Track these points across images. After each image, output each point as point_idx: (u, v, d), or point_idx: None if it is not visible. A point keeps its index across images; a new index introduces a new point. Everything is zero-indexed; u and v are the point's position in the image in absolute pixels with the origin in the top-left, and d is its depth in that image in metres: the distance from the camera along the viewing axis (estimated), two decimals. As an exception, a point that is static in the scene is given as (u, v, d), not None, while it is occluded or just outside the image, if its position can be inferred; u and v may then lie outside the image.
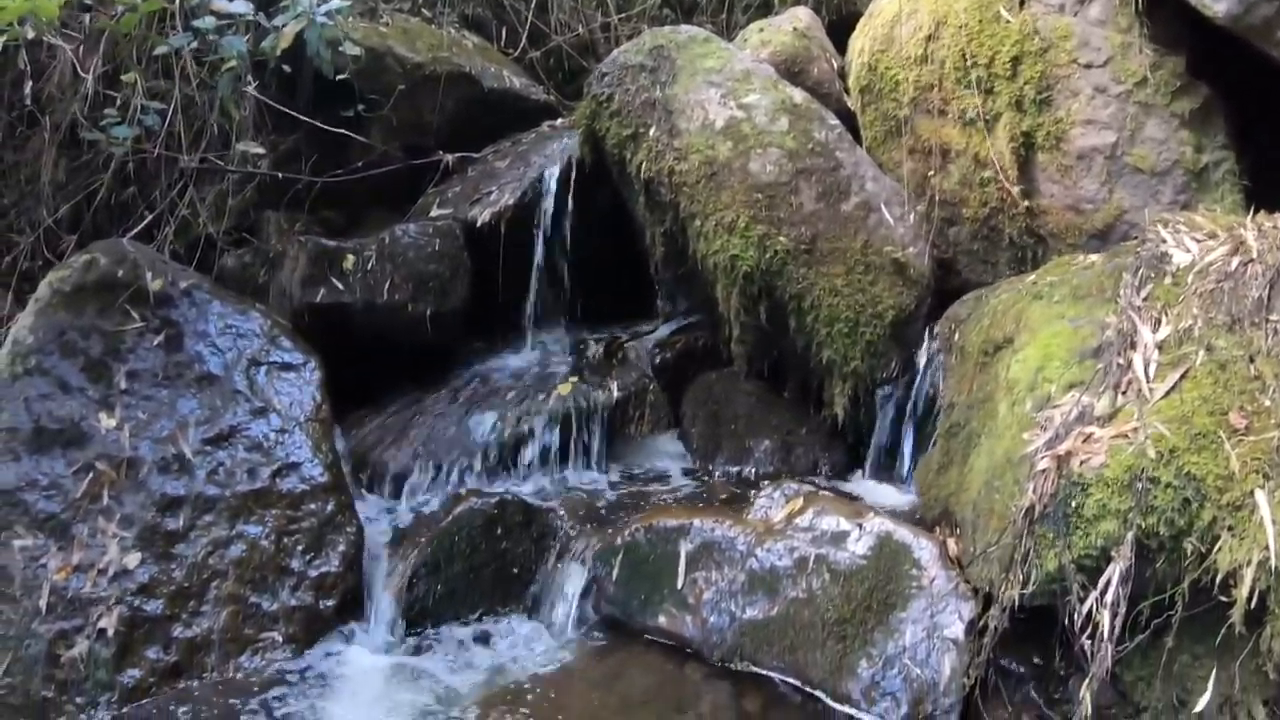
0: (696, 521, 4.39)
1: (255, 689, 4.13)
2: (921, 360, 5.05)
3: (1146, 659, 3.86)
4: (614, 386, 5.27)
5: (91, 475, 4.34)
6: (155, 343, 4.65)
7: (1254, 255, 3.94)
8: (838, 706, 4.05)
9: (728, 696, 4.07)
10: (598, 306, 5.89)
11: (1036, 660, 4.21)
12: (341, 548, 4.51)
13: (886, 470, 5.11)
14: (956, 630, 4.00)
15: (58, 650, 4.00)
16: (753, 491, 4.73)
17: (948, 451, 4.58)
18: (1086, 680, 3.73)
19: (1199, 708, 3.82)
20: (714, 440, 5.29)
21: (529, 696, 4.11)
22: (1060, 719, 4.05)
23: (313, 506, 4.56)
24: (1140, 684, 3.92)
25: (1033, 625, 4.05)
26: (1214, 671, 3.72)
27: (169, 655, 4.14)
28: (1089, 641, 3.69)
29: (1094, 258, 4.69)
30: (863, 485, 5.01)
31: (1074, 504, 3.54)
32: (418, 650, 4.36)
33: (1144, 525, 3.48)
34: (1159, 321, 3.93)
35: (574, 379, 5.26)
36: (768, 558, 4.22)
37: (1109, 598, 3.63)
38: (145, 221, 5.68)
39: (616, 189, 5.66)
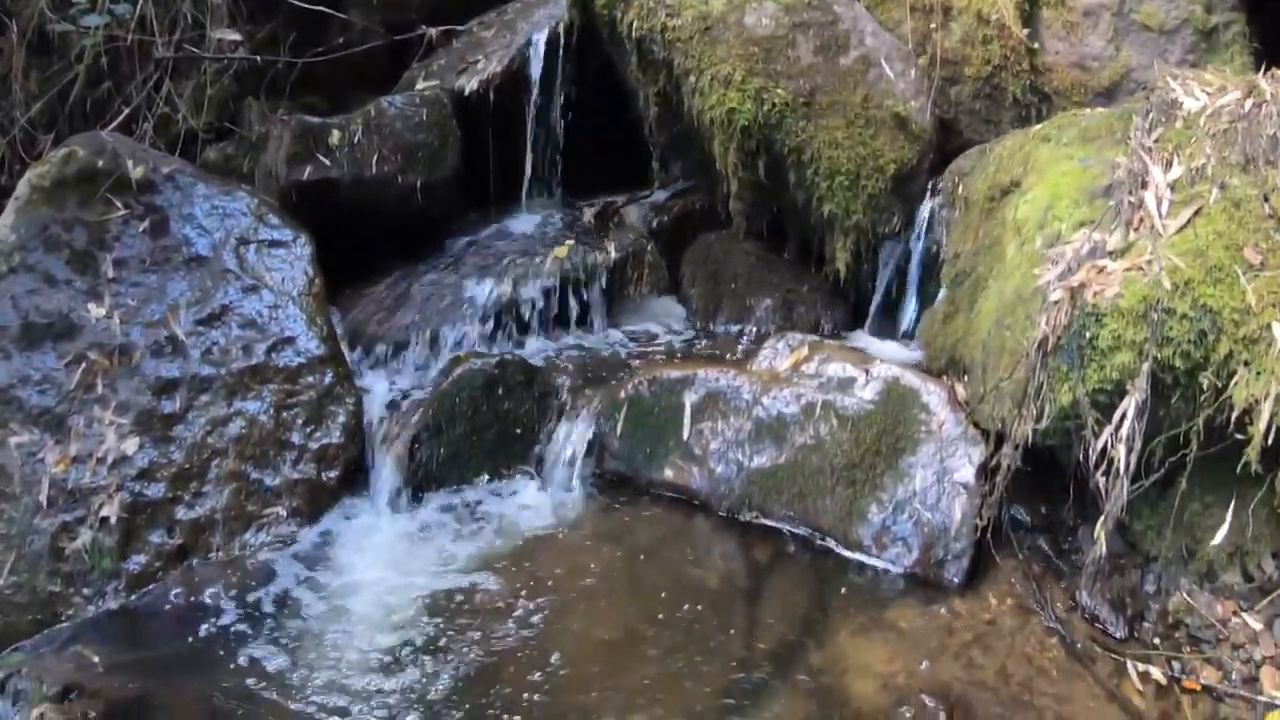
0: (701, 372, 4.31)
1: (262, 564, 4.09)
2: (923, 216, 4.92)
3: (1156, 509, 3.84)
4: (611, 248, 5.16)
5: (84, 365, 4.26)
6: (141, 229, 4.54)
7: (1268, 98, 3.84)
8: (848, 554, 4.02)
9: (737, 547, 4.03)
10: (591, 174, 5.76)
11: (1044, 510, 4.17)
12: (341, 419, 4.44)
13: (889, 327, 5.04)
14: (967, 474, 3.95)
15: (61, 543, 3.95)
16: (755, 346, 4.64)
17: (953, 301, 4.50)
18: (1101, 519, 3.69)
19: (1209, 555, 3.80)
20: (714, 300, 5.20)
21: (537, 554, 4.08)
22: (1069, 568, 4.01)
23: (310, 379, 4.48)
24: (1150, 533, 3.89)
25: (1040, 477, 4.05)
26: (1227, 518, 3.68)
27: (173, 538, 4.10)
28: (1103, 479, 3.63)
29: (1101, 110, 4.59)
30: (865, 341, 4.94)
31: (1088, 335, 3.46)
32: (422, 514, 4.30)
33: (1159, 357, 3.41)
34: (1170, 162, 3.84)
35: (570, 242, 5.14)
36: (774, 405, 4.15)
37: (1124, 432, 3.57)
38: (122, 116, 5.51)
39: (607, 52, 5.49)
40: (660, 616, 3.75)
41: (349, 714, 3.49)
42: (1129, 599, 3.93)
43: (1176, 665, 3.75)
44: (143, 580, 4.00)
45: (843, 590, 3.86)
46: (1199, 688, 3.68)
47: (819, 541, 4.03)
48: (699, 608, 3.78)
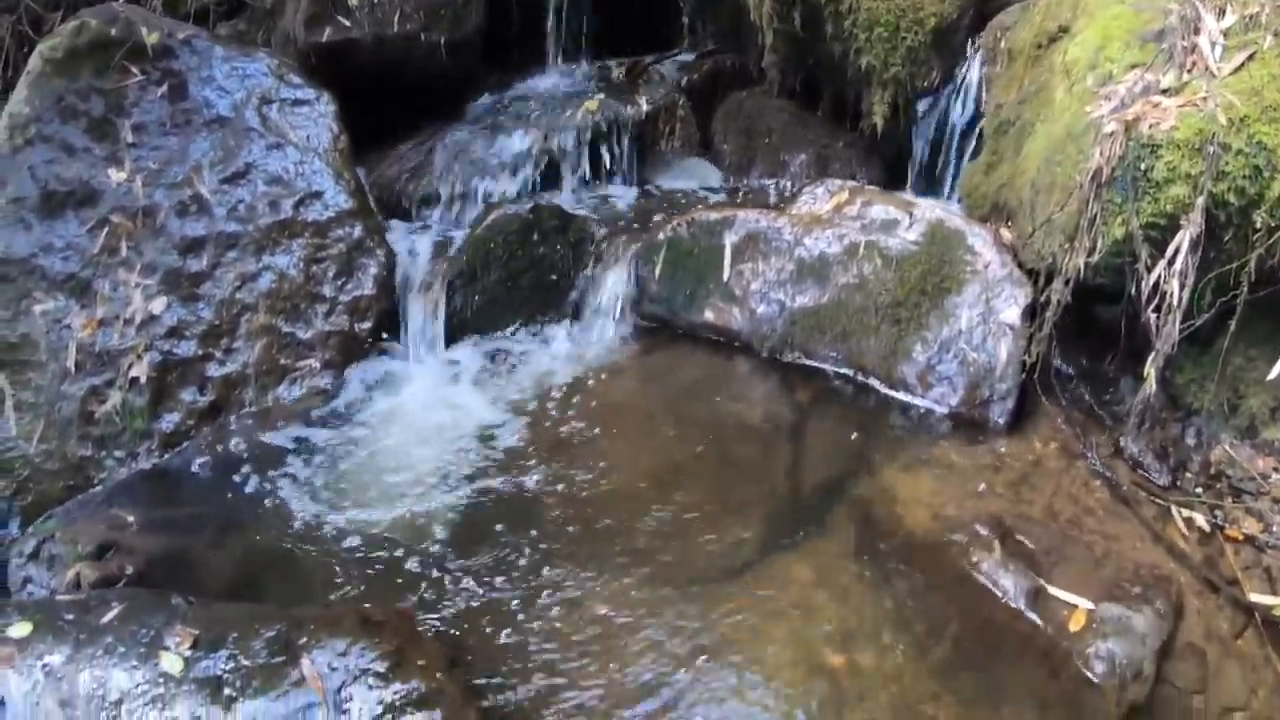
0: (741, 214, 4.24)
1: (296, 416, 4.05)
2: (964, 73, 4.78)
3: (1200, 363, 3.80)
4: (643, 102, 5.06)
5: (107, 230, 4.19)
6: (159, 94, 4.43)
7: (1322, -52, 3.72)
8: (892, 393, 3.96)
9: (779, 387, 3.98)
10: (619, 34, 5.63)
11: (1086, 363, 4.11)
12: (373, 270, 4.37)
13: (926, 184, 4.92)
14: (1013, 315, 3.87)
15: (90, 407, 3.90)
16: (792, 196, 4.54)
17: (995, 151, 4.40)
18: (1151, 355, 3.63)
19: (1251, 410, 3.74)
20: (747, 155, 5.11)
21: (575, 394, 4.03)
22: (1111, 418, 3.95)
23: (340, 232, 4.40)
24: (1193, 386, 3.83)
25: (1083, 331, 4.00)
26: (1274, 369, 3.63)
27: (205, 395, 4.05)
28: (1155, 315, 3.57)
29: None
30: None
31: (1143, 167, 3.38)
32: (458, 362, 4.25)
33: (1214, 192, 3.32)
34: (1223, 10, 3.72)
35: (600, 96, 5.02)
36: (816, 246, 4.07)
37: (1178, 266, 3.51)
38: (130, -5, 5.30)
39: (635, -95, 5.32)
40: (701, 451, 3.71)
41: (384, 559, 3.48)
42: (1171, 449, 3.89)
43: (1219, 514, 3.68)
44: (175, 439, 3.96)
45: (887, 428, 3.81)
46: (1241, 537, 3.64)
47: (862, 380, 3.97)
48: (741, 443, 3.74)
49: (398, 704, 2.93)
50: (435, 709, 2.91)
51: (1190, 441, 3.91)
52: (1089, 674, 3.13)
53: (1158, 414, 3.88)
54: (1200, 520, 3.69)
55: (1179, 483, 3.79)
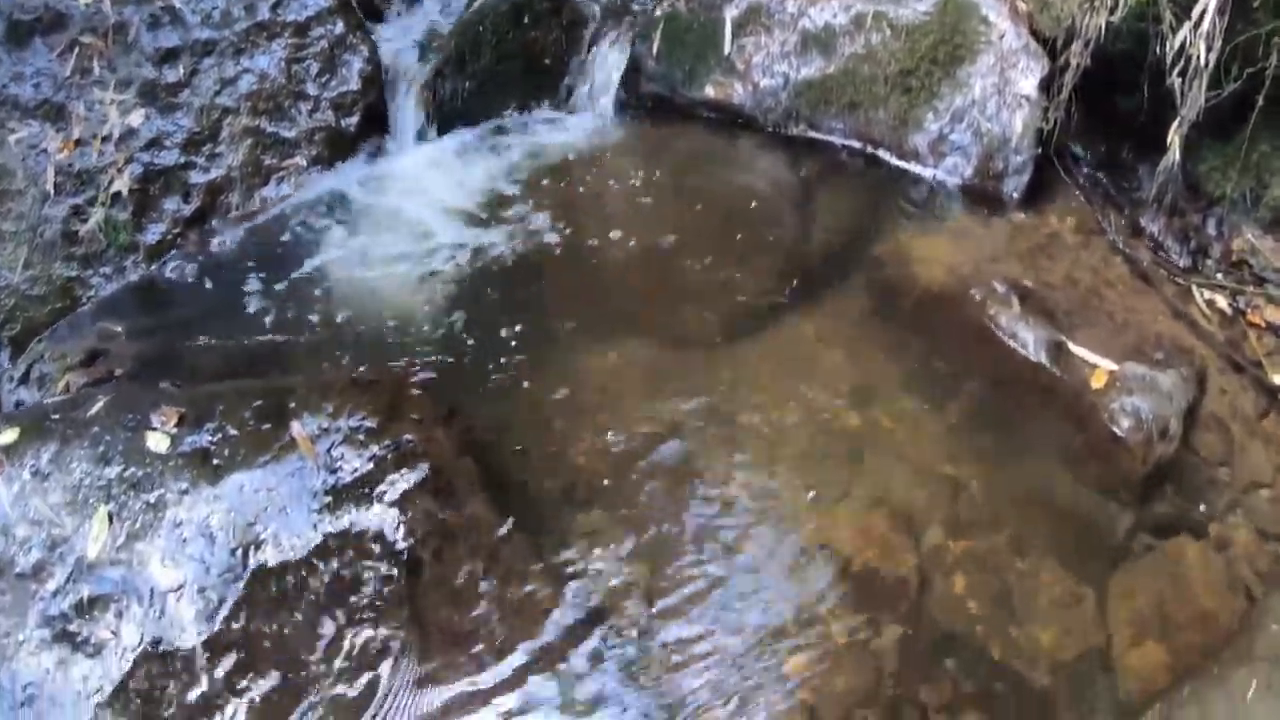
0: (741, -13, 4.01)
1: (284, 215, 3.87)
2: None
3: (1223, 151, 3.61)
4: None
5: (78, 51, 3.99)
6: (120, -94, 4.18)
7: None
8: (902, 164, 3.79)
9: (785, 161, 3.80)
10: None
11: (1103, 150, 3.93)
12: (357, 66, 4.17)
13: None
14: (1028, 86, 3.69)
15: (73, 227, 3.73)
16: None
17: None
18: (1176, 123, 3.45)
19: (1274, 201, 3.58)
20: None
21: (573, 171, 3.85)
22: (1129, 204, 3.78)
23: (320, 30, 4.19)
24: (1215, 174, 3.65)
25: (1100, 119, 3.81)
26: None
27: (190, 203, 3.88)
28: (1180, 80, 3.39)
29: None
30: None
31: (1169, -83, 3.16)
32: (450, 149, 4.06)
33: (1243, -51, 3.12)
34: None
35: None
36: (821, 17, 3.87)
37: (1204, 28, 3.32)
38: None
39: None
40: (704, 219, 3.55)
41: (378, 336, 3.35)
42: (1192, 235, 3.73)
43: (1241, 300, 3.54)
44: (161, 249, 3.80)
45: (899, 198, 3.65)
46: (1263, 324, 3.50)
47: (871, 153, 3.79)
48: (746, 211, 3.57)
49: (389, 458, 2.79)
50: (427, 460, 2.77)
51: (1211, 230, 3.75)
52: (1115, 429, 3.00)
53: (1179, 199, 3.71)
54: (1222, 303, 3.55)
55: (1199, 267, 3.63)
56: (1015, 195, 3.63)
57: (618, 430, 2.98)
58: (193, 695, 2.71)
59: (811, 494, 2.86)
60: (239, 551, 2.83)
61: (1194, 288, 3.59)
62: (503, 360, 3.17)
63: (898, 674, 2.61)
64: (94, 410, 3.19)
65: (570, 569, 2.70)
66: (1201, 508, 3.01)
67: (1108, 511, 2.97)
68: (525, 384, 3.11)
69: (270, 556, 2.79)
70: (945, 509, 2.89)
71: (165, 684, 2.76)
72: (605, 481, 2.88)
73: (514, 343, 3.22)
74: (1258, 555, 2.94)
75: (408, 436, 2.81)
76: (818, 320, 3.21)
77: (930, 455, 2.96)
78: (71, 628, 2.95)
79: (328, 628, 2.68)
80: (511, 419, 3.01)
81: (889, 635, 2.67)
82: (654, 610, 2.66)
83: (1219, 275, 3.66)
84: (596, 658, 2.58)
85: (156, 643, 2.81)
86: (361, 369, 3.13)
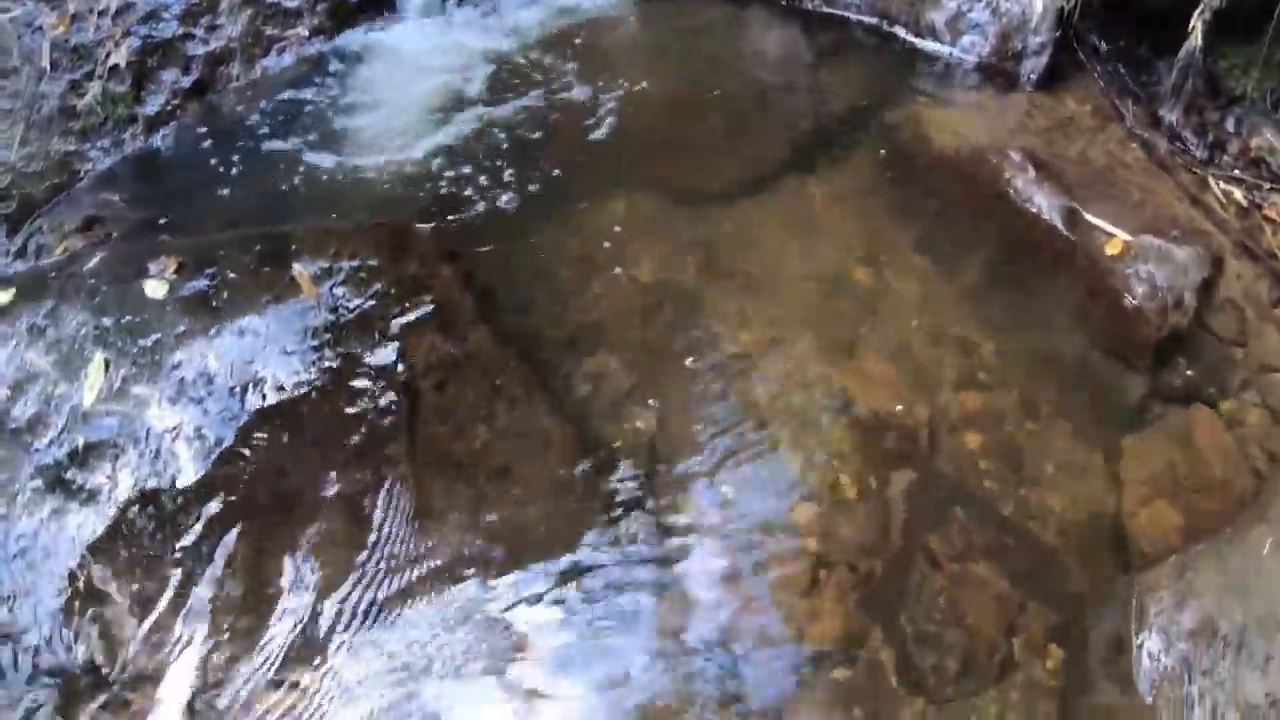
0: None
1: (287, 83, 3.81)
2: None
3: (1243, 50, 3.54)
4: None
5: None
6: None
7: None
8: (918, 41, 3.71)
9: (799, 33, 3.73)
10: None
11: (1122, 44, 3.85)
12: (361, -69, 4.08)
13: None
14: (1049, -35, 3.59)
15: (70, 102, 3.66)
16: None
17: None
18: (1199, 9, 3.37)
19: None
20: None
21: (584, 33, 3.79)
22: (1147, 96, 3.71)
23: (323, -105, 4.11)
24: (1235, 72, 3.57)
25: (1123, 15, 3.74)
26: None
27: (189, 74, 3.83)
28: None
29: None
30: None
31: None
32: (459, 16, 3.97)
33: None
34: None
35: None
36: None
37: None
38: None
39: None
40: (714, 84, 3.50)
41: (382, 189, 3.31)
42: (1210, 130, 3.65)
43: (1257, 195, 3.47)
44: (160, 121, 3.74)
45: (913, 75, 3.58)
46: (1279, 219, 3.42)
47: (887, 29, 3.71)
48: (760, 80, 3.50)
49: (392, 294, 2.74)
50: (430, 295, 2.72)
51: (1230, 127, 3.68)
52: (1129, 296, 2.94)
53: (1198, 95, 3.64)
54: (1238, 195, 3.49)
55: (1216, 161, 3.56)
56: (1033, 76, 3.57)
57: (624, 280, 2.93)
58: (188, 536, 2.66)
59: (821, 346, 2.80)
60: (237, 391, 2.78)
61: (1210, 178, 3.51)
62: (508, 211, 3.12)
63: (906, 524, 2.56)
64: (91, 265, 3.14)
65: (573, 408, 2.65)
66: (1214, 384, 2.94)
67: (1120, 377, 2.91)
68: (531, 234, 3.06)
69: (269, 395, 2.74)
70: (957, 367, 2.83)
71: (160, 526, 2.72)
72: (610, 329, 2.83)
73: (520, 195, 3.17)
74: (1269, 436, 2.89)
75: (411, 272, 2.76)
76: (829, 181, 3.15)
77: (942, 315, 2.90)
78: (67, 476, 2.90)
79: (327, 462, 2.63)
80: (516, 267, 2.96)
81: (898, 486, 2.63)
82: (659, 452, 2.61)
83: (1236, 171, 3.59)
84: (598, 494, 2.53)
85: (152, 486, 2.77)
86: (364, 219, 3.05)
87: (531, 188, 3.16)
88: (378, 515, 2.48)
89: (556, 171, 3.21)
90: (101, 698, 2.59)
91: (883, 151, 3.22)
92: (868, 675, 2.33)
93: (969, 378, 2.81)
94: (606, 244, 3.00)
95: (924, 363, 2.81)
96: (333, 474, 2.56)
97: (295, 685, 2.44)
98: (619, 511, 2.52)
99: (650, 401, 2.69)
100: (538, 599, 2.42)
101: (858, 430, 2.68)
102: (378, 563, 2.45)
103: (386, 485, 2.53)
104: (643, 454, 2.60)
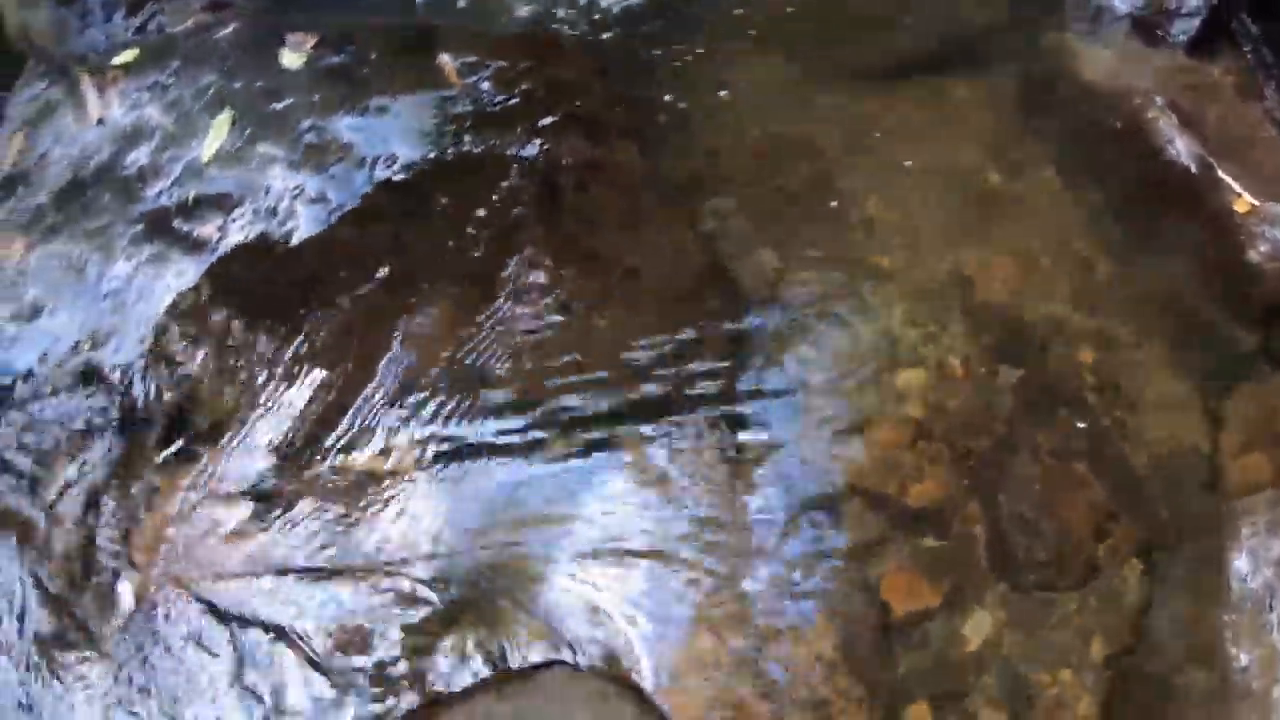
0: None
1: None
2: None
3: None
4: None
5: None
6: None
7: None
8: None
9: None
10: None
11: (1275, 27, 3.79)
12: None
13: None
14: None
15: None
16: None
17: None
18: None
19: None
20: None
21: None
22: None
23: None
24: None
25: None
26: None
27: None
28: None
29: None
30: None
31: None
32: None
33: None
34: None
35: None
36: None
37: None
38: None
39: None
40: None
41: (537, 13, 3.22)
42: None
43: None
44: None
45: (1065, 9, 3.52)
46: None
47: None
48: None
49: (538, 95, 2.72)
50: (577, 101, 2.69)
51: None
52: (1251, 252, 2.90)
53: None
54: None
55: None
56: (1181, 37, 3.51)
57: (758, 138, 2.89)
58: (293, 296, 2.64)
59: (947, 231, 2.78)
60: (367, 163, 2.76)
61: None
62: (655, 54, 3.08)
63: (1010, 414, 2.54)
64: (223, 34, 3.11)
65: (703, 236, 2.63)
66: (1326, 362, 2.91)
67: (1232, 329, 2.88)
68: (673, 80, 3.01)
69: (400, 173, 2.72)
70: (1075, 283, 2.81)
71: (264, 283, 2.69)
72: (742, 177, 2.80)
73: (669, 42, 3.12)
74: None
75: (563, 78, 2.73)
76: (973, 86, 3.11)
77: (1068, 230, 2.88)
78: (174, 225, 2.89)
79: (452, 241, 2.60)
80: (656, 106, 2.92)
81: (1005, 378, 2.61)
82: (776, 294, 2.58)
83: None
84: (719, 319, 2.51)
85: (263, 243, 2.74)
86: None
87: (680, 37, 3.11)
88: (499, 297, 2.46)
89: (707, 26, 3.16)
90: (173, 447, 2.57)
91: (1027, 70, 3.17)
92: (958, 547, 2.32)
93: (1086, 294, 2.79)
94: (744, 101, 2.96)
95: (1045, 270, 2.79)
96: (456, 253, 2.53)
97: (380, 457, 2.41)
98: (734, 342, 2.49)
99: (773, 249, 2.66)
100: (636, 409, 2.40)
101: (972, 317, 2.66)
102: (489, 343, 2.43)
103: (512, 268, 2.50)
104: (763, 293, 2.58)
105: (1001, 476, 2.43)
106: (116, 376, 2.70)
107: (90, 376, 2.75)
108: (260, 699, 2.28)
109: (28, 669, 2.43)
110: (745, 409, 2.45)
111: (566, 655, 2.21)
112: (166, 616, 2.39)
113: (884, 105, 3.01)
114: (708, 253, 2.65)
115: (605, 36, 3.12)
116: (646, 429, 2.40)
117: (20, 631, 2.50)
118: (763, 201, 2.77)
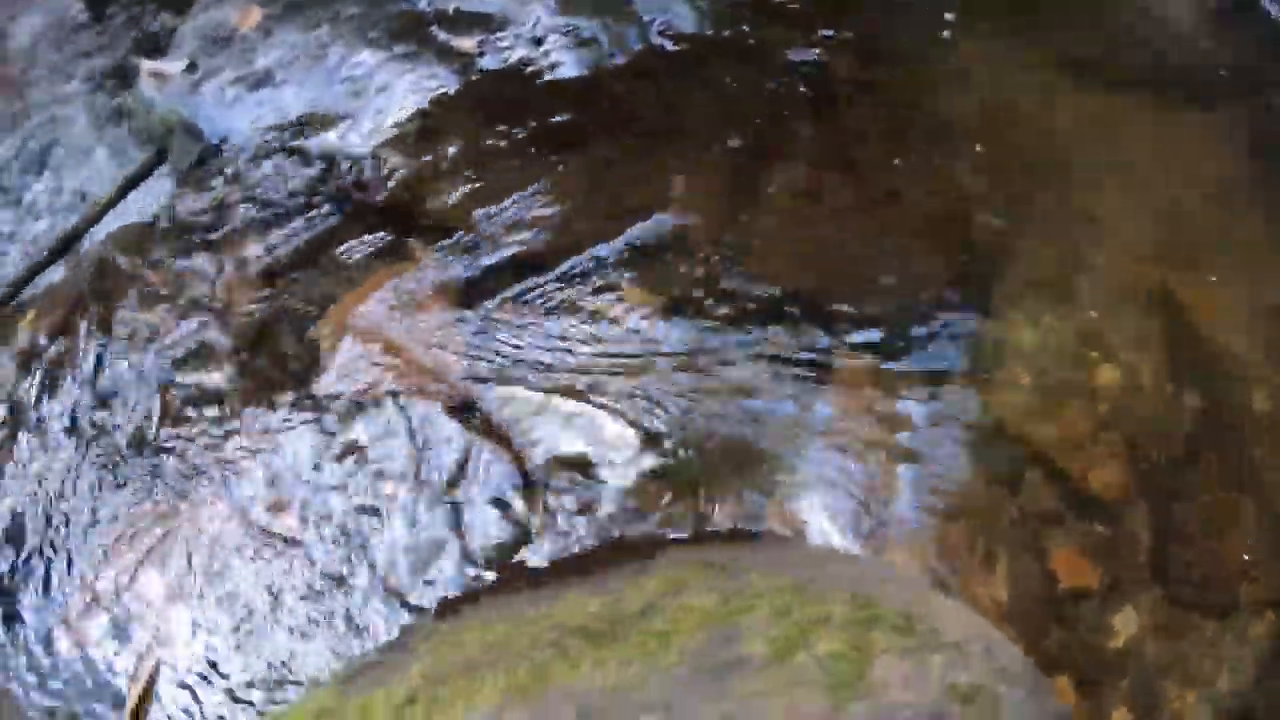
0: None
1: None
2: None
3: None
4: None
5: None
6: None
7: None
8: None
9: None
10: None
11: None
12: None
13: None
14: None
15: None
16: None
17: None
18: None
19: None
20: None
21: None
22: None
23: None
24: None
25: None
26: None
27: None
28: None
29: None
30: None
31: None
32: None
33: None
34: None
35: None
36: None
37: None
38: None
39: None
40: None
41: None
42: None
43: None
44: None
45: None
46: None
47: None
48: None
49: (816, 12, 2.72)
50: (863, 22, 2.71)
51: None
52: None
53: None
54: None
55: None
56: None
57: (1003, 104, 2.90)
58: (538, 128, 2.66)
59: (1167, 247, 2.80)
60: (645, 24, 2.81)
61: None
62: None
63: (1188, 435, 2.57)
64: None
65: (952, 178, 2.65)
66: None
67: None
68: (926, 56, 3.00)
69: (678, 43, 2.75)
70: (1271, 334, 2.83)
71: (513, 109, 2.71)
72: (984, 136, 2.81)
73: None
74: None
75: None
76: (1208, 120, 3.10)
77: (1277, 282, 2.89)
78: (431, 31, 2.91)
79: (720, 116, 2.62)
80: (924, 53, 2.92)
81: (1191, 399, 2.63)
82: (1003, 254, 2.61)
83: None
84: (950, 266, 2.54)
85: (522, 66, 2.76)
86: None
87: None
88: (759, 187, 2.48)
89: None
90: (385, 237, 2.59)
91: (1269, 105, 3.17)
92: (1124, 542, 2.36)
93: (1277, 348, 2.81)
94: (1003, 85, 2.98)
95: (1248, 312, 2.81)
96: (721, 134, 2.55)
97: (603, 300, 2.43)
98: (959, 292, 2.53)
99: (1002, 218, 2.69)
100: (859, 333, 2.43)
101: (1170, 334, 2.68)
102: (741, 229, 2.45)
103: (776, 162, 2.53)
104: (990, 255, 2.61)
105: (1173, 488, 2.47)
106: (339, 158, 2.72)
107: (308, 153, 2.78)
108: (437, 477, 2.29)
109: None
110: (956, 353, 2.48)
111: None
112: (354, 392, 2.41)
113: (1121, 112, 3.02)
114: (954, 197, 2.67)
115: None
116: (865, 358, 2.42)
117: (212, 371, 2.54)
118: (1001, 174, 2.79)
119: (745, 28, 2.77)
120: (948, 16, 3.00)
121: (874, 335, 2.42)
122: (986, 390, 2.48)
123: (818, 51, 2.74)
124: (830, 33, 2.77)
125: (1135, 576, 2.34)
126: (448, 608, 2.14)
